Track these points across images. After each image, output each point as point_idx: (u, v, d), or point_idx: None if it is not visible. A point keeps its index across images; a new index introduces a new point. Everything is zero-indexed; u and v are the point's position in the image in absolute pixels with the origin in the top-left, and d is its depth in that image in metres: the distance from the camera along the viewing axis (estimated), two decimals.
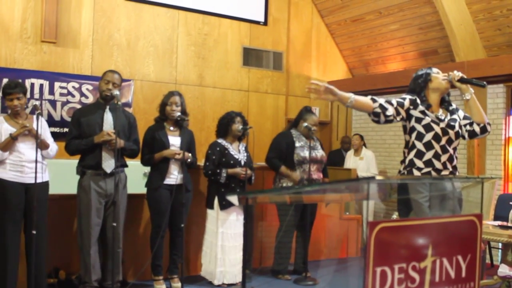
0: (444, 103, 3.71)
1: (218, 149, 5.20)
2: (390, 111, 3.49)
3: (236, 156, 5.20)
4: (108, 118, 4.56)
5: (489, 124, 3.65)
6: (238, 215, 5.14)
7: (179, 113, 4.95)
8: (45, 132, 4.49)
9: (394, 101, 3.56)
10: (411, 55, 8.51)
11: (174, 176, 4.91)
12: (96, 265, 4.54)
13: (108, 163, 4.48)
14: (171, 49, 8.00)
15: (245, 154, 5.28)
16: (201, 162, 5.48)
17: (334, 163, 8.42)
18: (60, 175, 4.65)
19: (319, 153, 5.69)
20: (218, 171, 5.09)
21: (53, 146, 4.52)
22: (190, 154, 4.99)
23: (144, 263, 5.04)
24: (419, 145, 3.55)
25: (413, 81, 3.74)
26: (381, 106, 3.48)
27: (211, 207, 5.18)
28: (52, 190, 4.55)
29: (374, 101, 3.48)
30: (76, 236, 4.69)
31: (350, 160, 8.17)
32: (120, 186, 4.57)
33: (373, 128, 8.83)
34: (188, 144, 5.02)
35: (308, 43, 9.34)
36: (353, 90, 8.91)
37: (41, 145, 4.32)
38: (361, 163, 7.94)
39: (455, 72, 3.61)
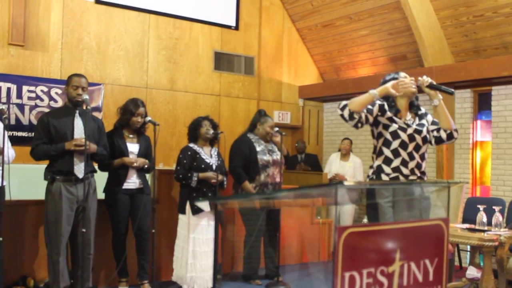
0: (413, 107, 3.74)
1: (189, 153, 5.18)
2: (360, 124, 3.53)
3: (208, 161, 5.18)
4: (78, 124, 4.48)
5: (456, 130, 3.68)
6: (209, 220, 5.12)
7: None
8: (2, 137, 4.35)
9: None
10: (381, 60, 8.61)
11: (132, 181, 4.93)
12: (65, 273, 4.45)
13: (80, 168, 4.40)
14: (142, 53, 7.95)
15: (217, 158, 5.26)
16: (171, 166, 5.45)
17: (288, 168, 8.37)
18: (27, 180, 4.58)
19: (278, 155, 5.69)
20: (189, 175, 5.07)
21: (8, 152, 4.31)
22: (147, 161, 4.97)
23: (113, 269, 4.98)
24: (387, 152, 3.58)
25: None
26: (364, 116, 3.53)
27: (183, 212, 5.15)
28: (19, 196, 4.47)
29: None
30: (43, 242, 4.60)
31: (336, 164, 7.90)
32: (91, 191, 4.52)
33: (344, 132, 8.89)
34: (146, 150, 5.04)
35: (280, 48, 9.38)
36: (324, 94, 9.11)
37: None
38: (350, 169, 7.78)
39: (425, 77, 3.64)
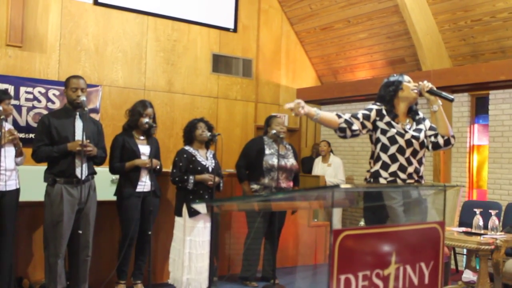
0: (411, 112, 3.74)
1: (185, 156, 5.18)
2: (356, 126, 3.53)
3: (204, 163, 5.18)
4: (79, 126, 4.48)
5: (453, 137, 3.67)
6: (206, 223, 5.11)
7: (147, 120, 4.95)
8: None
9: (360, 115, 3.59)
10: (379, 64, 8.62)
11: (144, 184, 4.92)
12: (63, 274, 4.45)
13: (81, 170, 4.40)
14: (140, 55, 7.95)
15: (213, 161, 5.26)
16: (169, 169, 5.45)
17: (306, 170, 8.52)
18: (24, 182, 4.57)
19: (289, 161, 5.68)
20: (186, 177, 5.07)
21: (24, 153, 4.51)
22: (158, 162, 5.01)
23: (110, 271, 4.96)
24: (384, 157, 3.58)
25: (384, 88, 3.73)
26: (346, 121, 3.52)
27: (179, 215, 5.14)
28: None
29: (339, 117, 3.53)
30: (40, 244, 4.60)
31: (318, 167, 8.20)
32: (91, 193, 4.52)
33: None
34: (156, 151, 5.03)
35: (278, 51, 9.38)
36: (322, 97, 9.12)
37: (19, 153, 4.37)
38: (329, 169, 7.99)
39: (425, 82, 3.62)
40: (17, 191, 4.45)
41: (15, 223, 4.43)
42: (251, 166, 5.64)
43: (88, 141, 4.35)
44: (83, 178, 4.36)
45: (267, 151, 5.61)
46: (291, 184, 5.74)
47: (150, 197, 4.91)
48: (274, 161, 5.56)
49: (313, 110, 3.44)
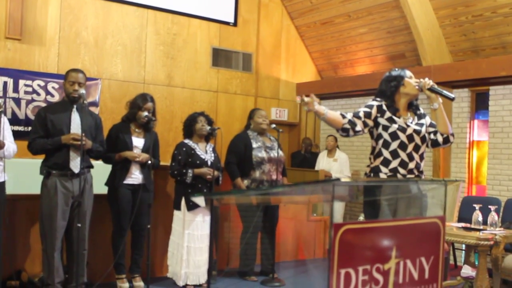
0: (412, 106, 3.73)
1: (184, 149, 5.17)
2: (359, 126, 3.53)
3: (203, 157, 5.17)
4: (75, 119, 4.46)
5: (452, 135, 3.66)
6: (204, 216, 5.11)
7: (146, 113, 4.92)
8: (4, 130, 4.30)
9: (361, 113, 3.58)
10: (379, 59, 8.60)
11: (135, 176, 4.91)
12: (60, 268, 4.45)
13: (76, 163, 4.38)
14: (140, 48, 7.93)
15: (213, 154, 5.25)
16: (168, 162, 5.44)
17: (295, 165, 8.50)
18: (23, 175, 4.56)
19: (277, 153, 5.69)
20: (184, 171, 5.06)
21: (10, 146, 4.31)
22: (148, 156, 4.91)
23: (109, 264, 4.96)
24: (386, 153, 3.57)
25: (385, 83, 3.71)
26: (350, 122, 3.51)
27: (178, 208, 5.14)
28: (15, 190, 4.45)
29: (343, 117, 3.53)
30: (38, 237, 4.59)
31: (323, 161, 8.15)
32: (87, 187, 4.49)
33: None
34: (152, 146, 5.00)
35: (278, 45, 9.36)
36: (322, 92, 9.11)
37: None
38: (335, 164, 7.95)
39: (426, 79, 3.60)
40: (1, 184, 4.32)
41: (1, 217, 4.32)
42: (240, 161, 5.60)
43: (83, 134, 4.32)
44: (77, 171, 4.35)
45: (254, 145, 5.60)
46: (281, 175, 5.74)
47: (140, 191, 4.86)
48: (263, 153, 5.56)
49: (322, 108, 3.44)
